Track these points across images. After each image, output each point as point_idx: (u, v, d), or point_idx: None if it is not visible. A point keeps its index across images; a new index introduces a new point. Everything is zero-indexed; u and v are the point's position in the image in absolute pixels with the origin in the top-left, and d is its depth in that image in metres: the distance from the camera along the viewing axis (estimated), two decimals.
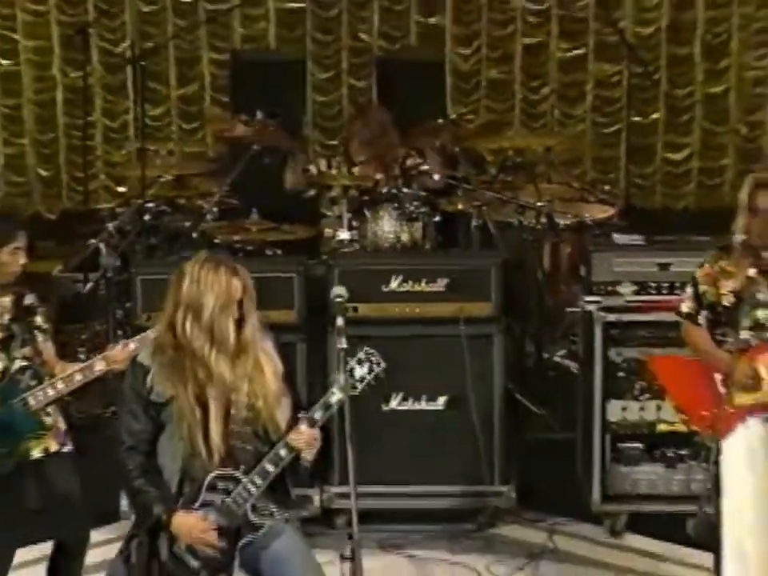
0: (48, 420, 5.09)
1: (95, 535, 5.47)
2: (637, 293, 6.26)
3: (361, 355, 4.54)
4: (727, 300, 5.05)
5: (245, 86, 9.72)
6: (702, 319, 5.13)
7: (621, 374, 6.23)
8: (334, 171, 8.01)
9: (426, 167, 7.73)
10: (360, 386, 4.51)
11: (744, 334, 5.01)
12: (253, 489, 4.43)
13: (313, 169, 8.16)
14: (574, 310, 7.22)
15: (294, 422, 4.50)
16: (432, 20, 10.29)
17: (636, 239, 6.53)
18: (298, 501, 5.19)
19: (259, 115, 7.98)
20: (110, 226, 7.84)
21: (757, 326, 4.99)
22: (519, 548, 6.19)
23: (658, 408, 6.15)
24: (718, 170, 10.23)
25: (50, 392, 5.02)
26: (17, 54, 10.34)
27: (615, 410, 6.22)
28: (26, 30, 10.30)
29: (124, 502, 6.05)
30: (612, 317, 6.22)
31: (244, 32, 10.29)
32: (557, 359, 7.81)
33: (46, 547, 5.32)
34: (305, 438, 4.45)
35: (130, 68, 10.02)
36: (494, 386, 6.30)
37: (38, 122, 10.46)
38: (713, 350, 5.07)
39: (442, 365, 6.27)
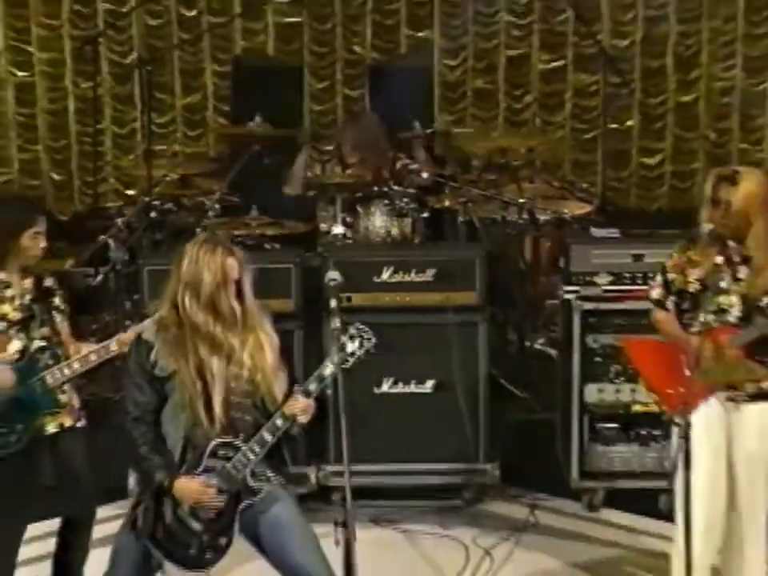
0: (63, 397, 5.09)
1: (104, 511, 5.49)
2: (612, 283, 6.26)
3: (352, 331, 4.53)
4: (693, 287, 5.07)
5: (245, 89, 9.79)
6: (670, 305, 5.14)
7: (597, 358, 6.24)
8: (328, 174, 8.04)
9: (414, 166, 7.75)
10: (351, 360, 4.50)
11: (707, 318, 5.04)
12: (251, 456, 4.44)
13: (309, 173, 8.18)
14: (553, 302, 7.23)
15: (289, 395, 4.51)
16: (421, 33, 10.30)
17: (612, 232, 6.54)
18: (296, 478, 5.21)
19: (258, 119, 8.01)
20: (119, 221, 7.84)
21: (719, 311, 5.02)
22: (503, 522, 6.20)
23: (633, 390, 6.16)
24: (689, 174, 10.24)
25: (66, 371, 5.01)
26: (31, 66, 10.33)
27: (592, 393, 6.23)
28: (40, 43, 10.29)
29: (132, 480, 6.06)
30: (589, 305, 6.23)
31: (245, 44, 10.28)
32: (538, 346, 7.80)
33: (54, 522, 5.30)
34: (300, 405, 4.46)
35: (137, 78, 10.03)
36: (478, 371, 6.31)
37: (51, 130, 10.45)
38: (679, 333, 5.10)
39: (431, 350, 6.27)
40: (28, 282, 5.06)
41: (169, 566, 4.51)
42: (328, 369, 4.49)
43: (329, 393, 5.34)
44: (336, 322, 4.52)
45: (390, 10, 10.24)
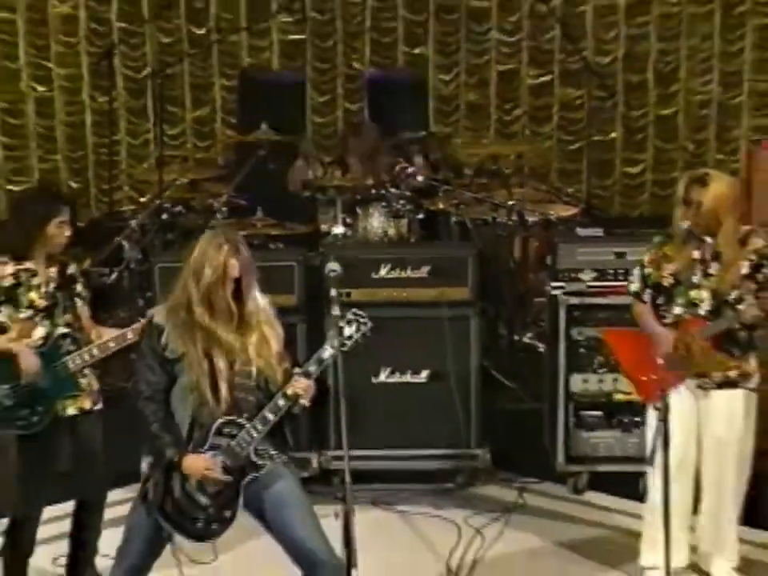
0: (83, 381, 5.09)
1: (117, 494, 5.51)
2: (596, 279, 6.24)
3: (350, 316, 4.52)
4: (667, 281, 5.12)
5: (251, 100, 9.82)
6: (646, 297, 5.20)
7: (582, 350, 6.23)
8: (329, 176, 8.06)
9: (411, 171, 7.77)
10: (349, 344, 4.48)
11: (678, 310, 5.07)
12: (255, 433, 4.43)
13: (311, 175, 8.19)
14: (541, 299, 7.23)
15: (291, 377, 4.50)
16: (417, 50, 10.33)
17: (597, 232, 6.55)
18: (299, 462, 5.20)
19: (264, 127, 8.02)
20: (133, 223, 7.86)
21: (690, 304, 5.04)
22: (493, 503, 6.19)
23: (615, 380, 6.14)
24: (669, 182, 10.20)
25: (87, 357, 5.03)
26: (51, 81, 10.37)
27: (577, 383, 6.22)
28: (58, 59, 10.33)
29: (143, 465, 6.04)
30: (574, 300, 6.22)
31: (251, 60, 10.34)
32: (526, 340, 7.79)
33: (69, 504, 5.29)
34: (302, 386, 4.45)
35: (150, 92, 10.06)
36: (470, 362, 6.29)
37: (69, 141, 10.50)
38: (652, 323, 5.13)
39: (425, 343, 6.25)
40: (53, 270, 5.06)
41: (178, 538, 4.51)
42: (327, 352, 4.48)
43: (329, 382, 5.41)
44: (336, 310, 4.52)
45: (388, 28, 10.29)
